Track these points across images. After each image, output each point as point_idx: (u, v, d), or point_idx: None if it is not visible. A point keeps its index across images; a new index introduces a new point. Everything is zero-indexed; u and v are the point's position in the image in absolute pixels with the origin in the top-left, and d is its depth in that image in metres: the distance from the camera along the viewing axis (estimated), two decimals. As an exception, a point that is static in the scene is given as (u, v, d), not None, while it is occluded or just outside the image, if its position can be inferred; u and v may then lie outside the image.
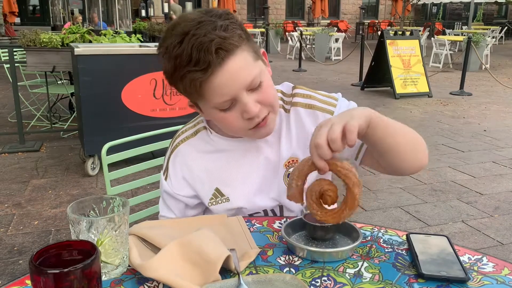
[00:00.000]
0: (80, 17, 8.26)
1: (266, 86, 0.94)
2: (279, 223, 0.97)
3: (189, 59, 0.84)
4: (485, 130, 5.25)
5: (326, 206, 0.82)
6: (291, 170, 1.01)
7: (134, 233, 0.88)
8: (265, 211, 1.08)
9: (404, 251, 0.86)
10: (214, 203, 1.06)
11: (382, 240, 0.90)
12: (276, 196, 1.06)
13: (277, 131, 1.05)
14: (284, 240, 0.87)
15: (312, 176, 0.83)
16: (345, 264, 0.81)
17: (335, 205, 0.83)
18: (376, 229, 0.94)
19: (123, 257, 0.77)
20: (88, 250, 0.65)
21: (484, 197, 3.35)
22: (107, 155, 1.39)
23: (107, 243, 0.74)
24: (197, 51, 0.84)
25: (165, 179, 1.09)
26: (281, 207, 1.08)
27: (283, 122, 1.06)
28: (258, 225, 0.96)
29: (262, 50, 1.00)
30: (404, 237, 0.91)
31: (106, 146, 1.37)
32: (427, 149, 0.98)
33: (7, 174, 3.69)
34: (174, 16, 8.65)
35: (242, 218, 0.98)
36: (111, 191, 1.40)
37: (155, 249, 0.83)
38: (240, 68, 0.88)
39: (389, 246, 0.87)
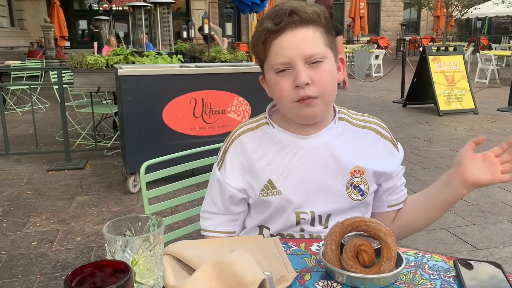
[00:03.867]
0: (114, 39, 8.61)
1: (324, 70, 1.00)
2: (317, 245, 0.94)
3: (269, 17, 1.00)
4: (537, 148, 4.97)
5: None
6: (355, 179, 1.06)
7: (169, 252, 0.87)
8: (312, 213, 1.07)
9: (451, 278, 0.80)
10: (264, 194, 1.07)
11: (427, 266, 0.85)
12: (331, 201, 1.06)
13: (345, 140, 1.09)
14: (322, 264, 0.84)
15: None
16: (387, 291, 0.77)
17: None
18: (421, 254, 0.89)
19: (158, 278, 0.76)
20: (122, 270, 0.64)
21: (538, 219, 3.16)
22: (146, 173, 1.41)
23: (142, 263, 0.73)
24: (276, 12, 1.00)
25: (219, 169, 1.12)
26: (328, 215, 1.07)
27: (350, 133, 1.11)
28: (295, 248, 0.93)
29: (341, 56, 1.10)
30: (451, 263, 0.85)
31: (145, 165, 1.38)
32: None
33: (54, 191, 3.83)
34: (216, 36, 8.82)
35: (278, 240, 0.95)
36: (150, 209, 1.41)
37: (190, 269, 0.82)
38: (307, 39, 0.99)
39: (435, 273, 0.82)
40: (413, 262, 0.86)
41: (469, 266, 0.82)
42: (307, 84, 0.98)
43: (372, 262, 0.81)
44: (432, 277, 0.81)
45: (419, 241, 2.85)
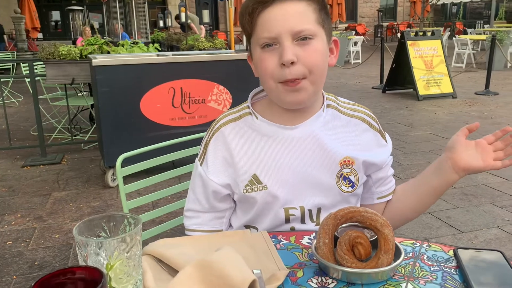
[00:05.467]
0: (88, 29, 8.36)
1: (314, 49, 0.92)
2: (309, 238, 0.88)
3: None
4: (515, 130, 5.03)
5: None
6: (345, 170, 1.00)
7: (149, 252, 0.80)
8: (302, 208, 1.00)
9: (453, 269, 0.76)
10: (249, 190, 1.00)
11: (426, 256, 0.80)
12: (320, 194, 1.00)
13: (334, 129, 1.02)
14: (315, 258, 0.78)
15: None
16: (386, 285, 0.72)
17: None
18: (418, 244, 0.84)
19: (136, 282, 0.69)
20: (95, 277, 0.57)
21: (519, 200, 3.18)
22: (124, 166, 1.33)
23: (118, 267, 0.66)
24: None
25: (201, 164, 1.05)
26: (318, 210, 1.01)
27: (339, 122, 1.05)
28: (285, 241, 0.87)
29: (335, 38, 1.02)
30: (451, 253, 0.80)
31: (121, 158, 1.30)
32: None
33: (29, 187, 3.69)
34: (192, 25, 8.64)
35: (267, 234, 0.89)
36: (127, 206, 1.33)
37: (172, 271, 0.75)
38: (296, 13, 0.91)
39: (435, 264, 0.77)
40: (411, 253, 0.81)
41: (470, 255, 0.77)
42: (292, 63, 0.90)
43: (368, 255, 0.75)
44: (432, 268, 0.76)
45: (405, 227, 2.83)
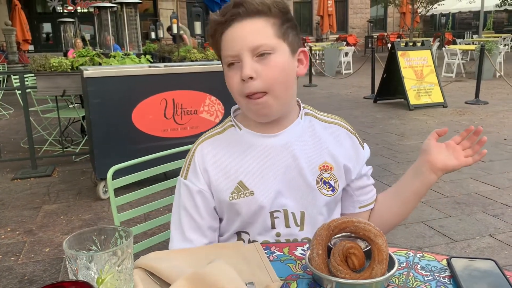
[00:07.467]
0: (80, 41, 8.38)
1: (273, 64, 0.95)
2: (302, 249, 0.88)
3: (220, 13, 0.98)
4: (505, 139, 5.09)
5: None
6: (324, 175, 1.04)
7: (141, 266, 0.79)
8: (285, 211, 1.03)
9: (446, 278, 0.75)
10: (236, 197, 1.02)
11: (419, 266, 0.79)
12: (302, 198, 1.03)
13: (313, 135, 1.06)
14: (309, 269, 0.78)
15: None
16: (380, 296, 0.71)
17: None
18: (412, 254, 0.84)
19: (128, 296, 0.68)
20: (86, 292, 0.56)
21: (511, 208, 3.20)
22: (115, 178, 1.32)
23: (109, 281, 0.65)
24: (225, 5, 0.98)
25: (185, 178, 1.05)
26: (302, 214, 1.04)
27: (318, 127, 1.08)
28: (278, 253, 0.86)
29: (303, 49, 1.04)
30: (445, 262, 0.80)
31: (112, 170, 1.29)
32: None
33: (19, 201, 3.65)
34: (185, 36, 8.67)
35: (260, 245, 0.88)
36: (119, 218, 1.32)
37: (164, 284, 0.74)
38: (254, 30, 0.95)
39: (429, 273, 0.77)
40: (404, 263, 0.81)
41: (464, 264, 0.77)
42: (251, 78, 0.94)
43: (362, 266, 0.75)
44: (426, 278, 0.75)
45: (398, 236, 2.84)
